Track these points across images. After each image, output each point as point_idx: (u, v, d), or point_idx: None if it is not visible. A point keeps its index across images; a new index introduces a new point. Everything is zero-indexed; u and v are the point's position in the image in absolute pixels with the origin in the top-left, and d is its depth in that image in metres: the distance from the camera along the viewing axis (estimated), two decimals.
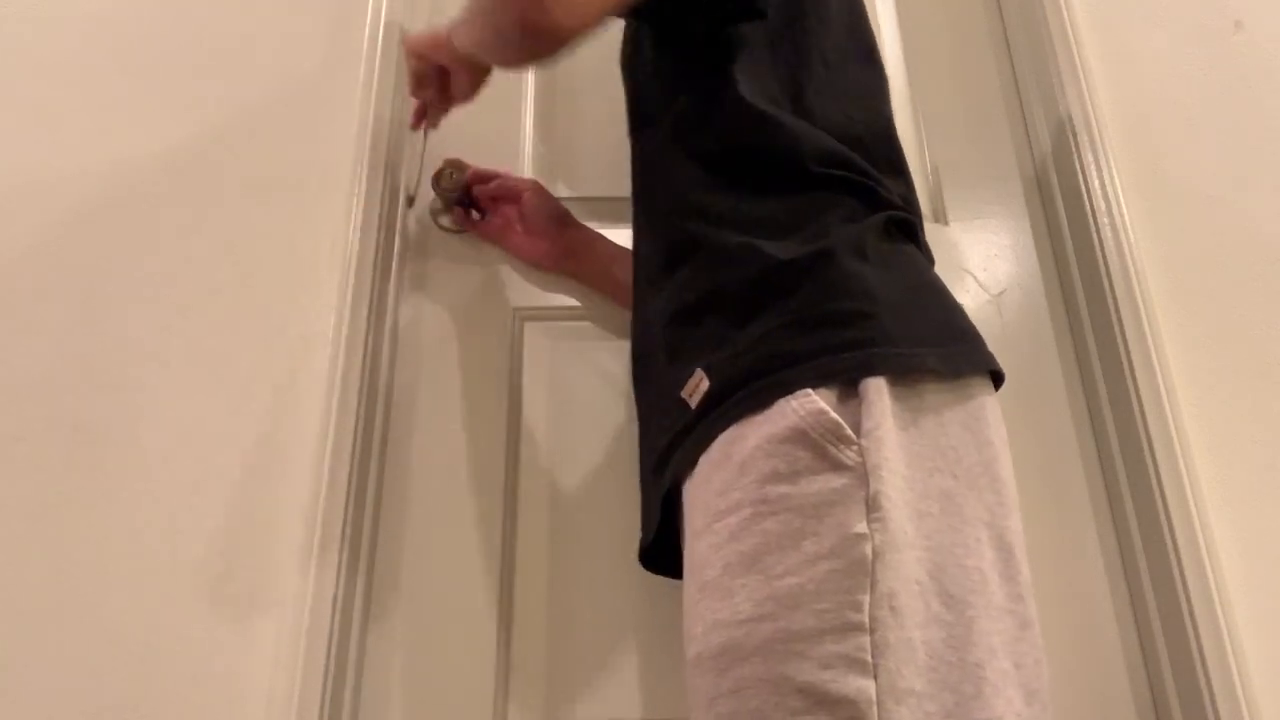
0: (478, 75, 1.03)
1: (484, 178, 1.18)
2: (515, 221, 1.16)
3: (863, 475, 0.66)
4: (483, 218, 1.19)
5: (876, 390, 0.69)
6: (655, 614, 1.05)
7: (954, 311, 0.81)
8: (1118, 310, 1.12)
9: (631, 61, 1.00)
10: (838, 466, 0.67)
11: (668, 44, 0.92)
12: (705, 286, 0.80)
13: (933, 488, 0.69)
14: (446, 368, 1.14)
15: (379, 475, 1.07)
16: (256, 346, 1.06)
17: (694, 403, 0.76)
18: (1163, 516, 1.03)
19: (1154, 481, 1.04)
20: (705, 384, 0.76)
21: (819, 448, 0.67)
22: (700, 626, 0.69)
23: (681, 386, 0.78)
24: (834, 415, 0.68)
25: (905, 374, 0.71)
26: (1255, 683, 0.96)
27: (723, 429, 0.72)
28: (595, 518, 1.09)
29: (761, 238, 0.78)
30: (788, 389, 0.70)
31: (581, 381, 1.15)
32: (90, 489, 0.98)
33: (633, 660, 1.03)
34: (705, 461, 0.74)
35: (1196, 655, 0.97)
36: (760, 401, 0.71)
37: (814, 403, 0.69)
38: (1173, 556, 1.01)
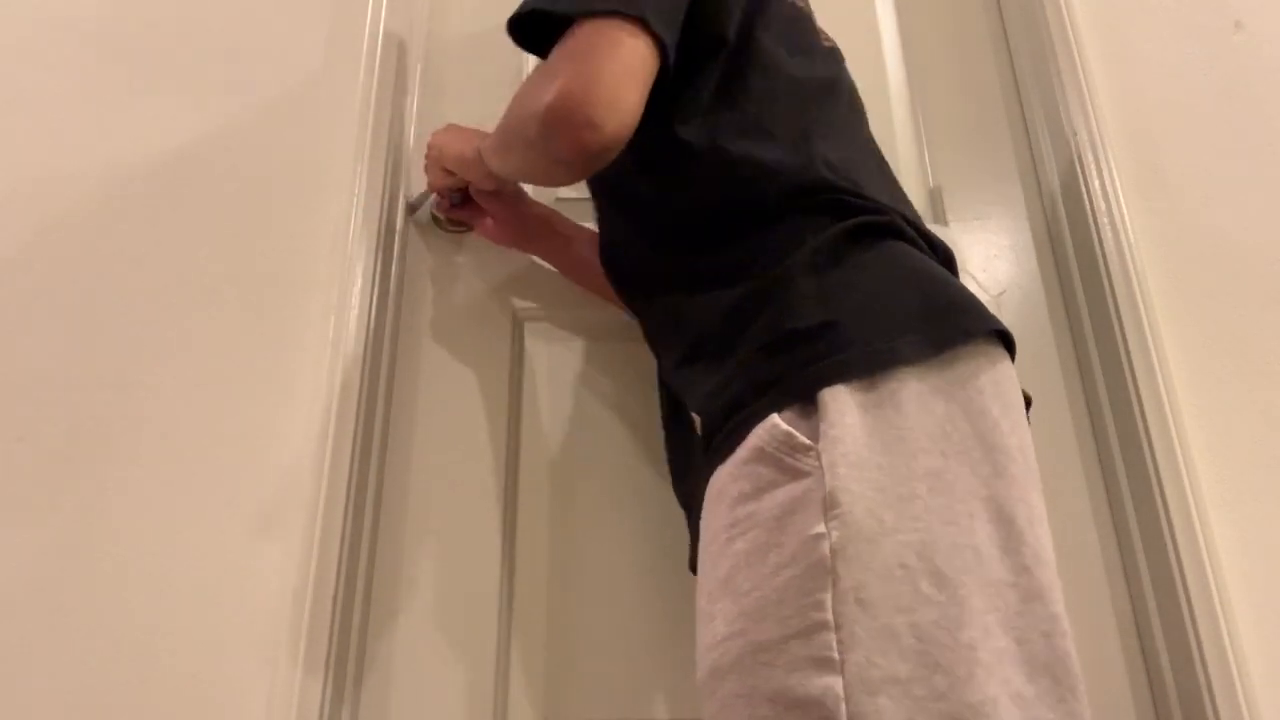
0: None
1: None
2: (477, 206, 1.16)
3: (820, 477, 0.67)
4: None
5: (833, 395, 0.69)
6: (655, 614, 1.05)
7: (939, 289, 0.78)
8: (1118, 310, 1.12)
9: None
10: (796, 475, 0.68)
11: None
12: (688, 337, 0.84)
13: (918, 469, 0.68)
14: (446, 368, 1.14)
15: (379, 475, 1.07)
16: (256, 346, 1.06)
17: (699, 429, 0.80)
18: (1163, 516, 1.03)
19: (1154, 481, 1.04)
20: (699, 426, 0.79)
21: (777, 461, 0.69)
22: (697, 654, 0.71)
23: (694, 430, 0.82)
24: (785, 427, 0.69)
25: (872, 371, 0.71)
26: (1255, 683, 0.97)
27: (714, 469, 0.75)
28: (595, 518, 1.09)
29: (725, 283, 0.80)
30: (759, 417, 0.71)
31: (581, 383, 1.15)
32: (90, 489, 0.98)
33: (633, 660, 1.03)
34: (705, 500, 0.76)
35: (1196, 655, 0.97)
36: (739, 437, 0.72)
37: (770, 420, 0.70)
38: (1173, 556, 1.01)
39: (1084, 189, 1.19)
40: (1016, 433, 0.73)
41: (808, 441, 0.68)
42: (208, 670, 0.92)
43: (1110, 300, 1.13)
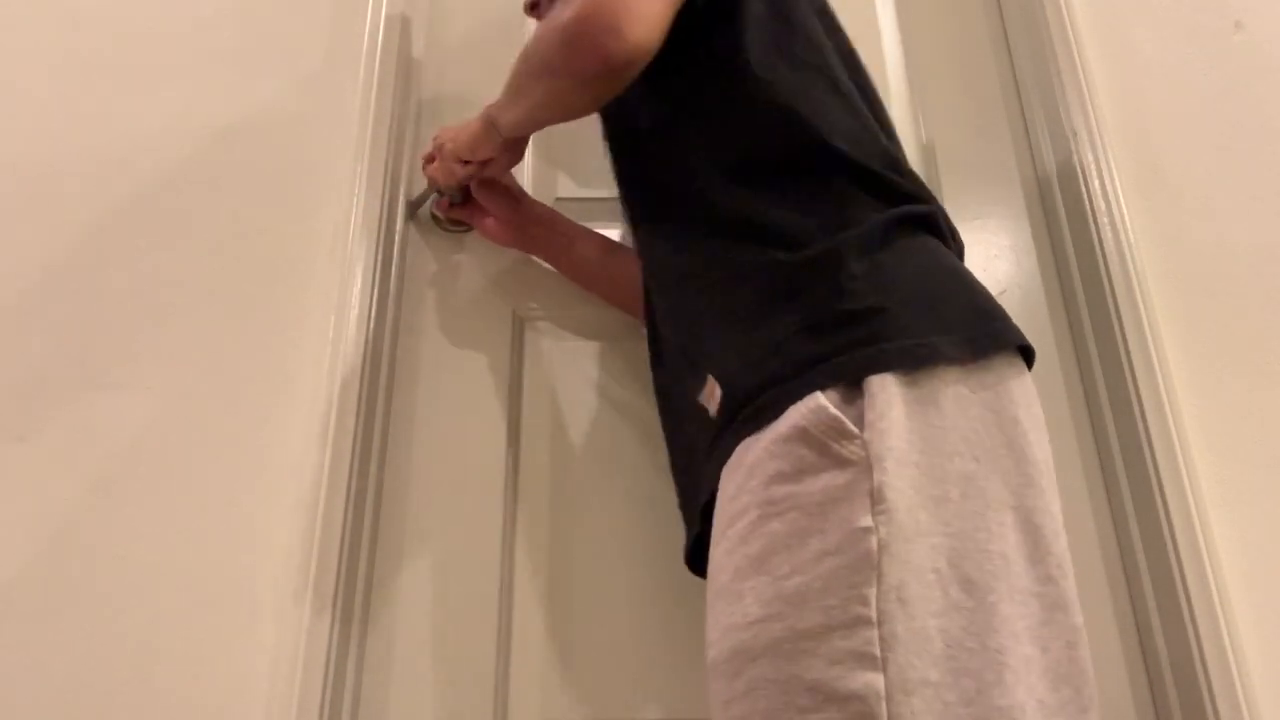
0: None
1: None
2: (477, 204, 1.15)
3: (866, 469, 0.66)
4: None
5: (880, 384, 0.69)
6: (655, 614, 1.05)
7: (976, 293, 0.79)
8: (1118, 310, 1.12)
9: None
10: (841, 462, 0.67)
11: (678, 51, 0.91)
12: (718, 294, 0.80)
13: (952, 472, 0.68)
14: (447, 368, 1.14)
15: (379, 475, 1.07)
16: (256, 346, 1.06)
17: (712, 409, 0.77)
18: (1163, 516, 1.03)
19: (1154, 481, 1.04)
20: (718, 392, 0.76)
21: (821, 445, 0.67)
22: (715, 632, 0.69)
23: (698, 392, 0.79)
24: (834, 411, 0.68)
25: (917, 365, 0.70)
26: (1255, 683, 0.97)
27: (739, 441, 0.73)
28: (595, 518, 1.09)
29: (773, 244, 0.78)
30: (799, 395, 0.70)
31: (581, 382, 1.15)
32: (90, 489, 0.98)
33: (633, 660, 1.03)
34: (724, 470, 0.74)
35: (1196, 655, 0.97)
36: (774, 412, 0.70)
37: (815, 400, 0.68)
38: (1173, 556, 1.01)
39: (1084, 189, 1.19)
40: (1042, 445, 0.74)
41: (854, 429, 0.67)
42: (208, 670, 0.92)
43: (1110, 300, 1.13)
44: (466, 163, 1.05)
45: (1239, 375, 1.12)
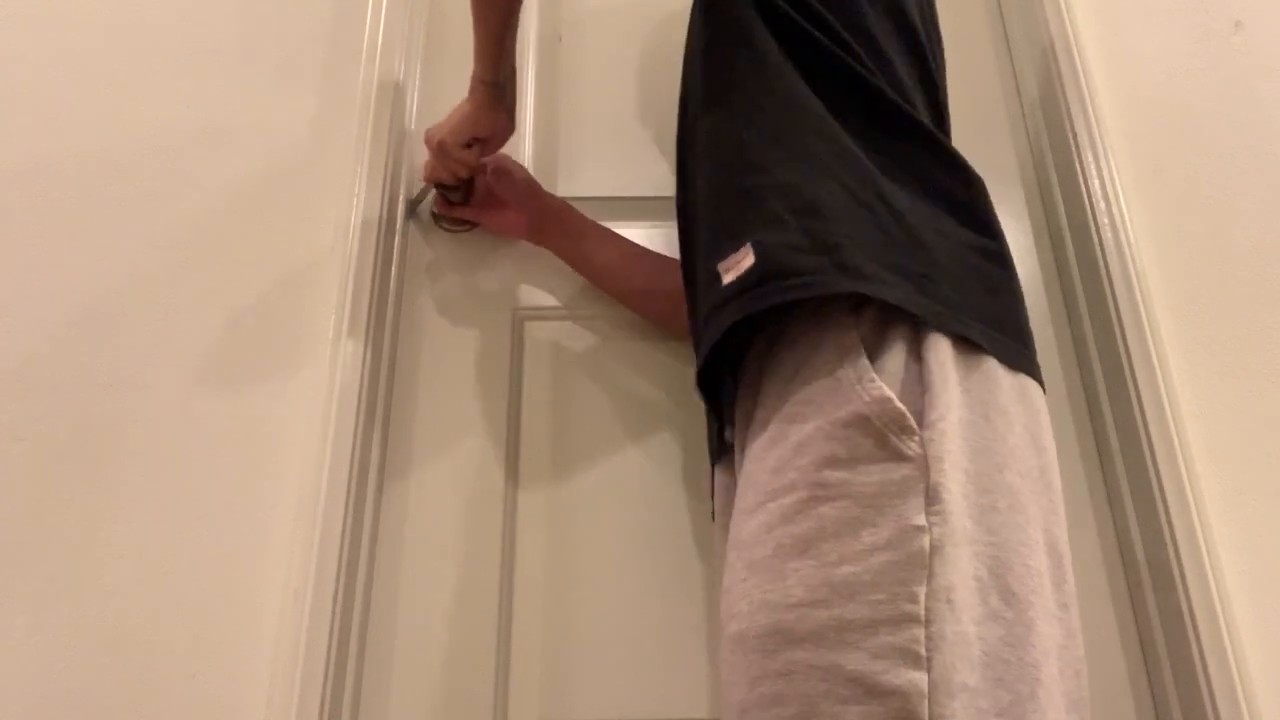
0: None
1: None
2: (487, 195, 1.16)
3: (924, 467, 0.66)
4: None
5: (940, 359, 0.69)
6: (655, 614, 1.05)
7: (1020, 309, 0.80)
8: (1118, 310, 1.12)
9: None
10: (899, 456, 0.66)
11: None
12: (777, 169, 0.77)
13: (1000, 483, 0.68)
14: (446, 368, 1.14)
15: (379, 475, 1.07)
16: (256, 346, 1.06)
17: (728, 279, 0.75)
18: (1163, 516, 1.03)
19: (1154, 482, 1.04)
20: (750, 261, 0.73)
21: (881, 436, 0.67)
22: (746, 604, 0.68)
23: (720, 257, 0.76)
24: (899, 405, 0.67)
25: (968, 347, 0.70)
26: (1255, 683, 0.96)
27: (765, 309, 0.72)
28: (595, 517, 1.09)
29: (842, 155, 0.77)
30: (836, 289, 0.69)
31: (581, 381, 1.15)
32: (90, 489, 0.98)
33: (632, 660, 1.03)
34: (759, 437, 0.73)
35: (1196, 655, 0.97)
36: (813, 291, 0.70)
37: (879, 389, 0.68)
38: (1173, 557, 1.01)
39: (1084, 189, 1.19)
40: (1059, 476, 0.75)
41: (915, 425, 0.67)
42: (208, 670, 0.92)
43: (1110, 300, 1.13)
44: (470, 145, 1.06)
45: (1239, 375, 1.12)
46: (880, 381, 0.68)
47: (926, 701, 0.61)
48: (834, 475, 0.67)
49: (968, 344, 0.71)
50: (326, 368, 1.03)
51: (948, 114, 0.94)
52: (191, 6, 1.24)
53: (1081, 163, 1.21)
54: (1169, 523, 1.02)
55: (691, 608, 1.04)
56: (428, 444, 1.11)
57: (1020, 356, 0.75)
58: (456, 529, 1.07)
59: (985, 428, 0.69)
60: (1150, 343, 1.10)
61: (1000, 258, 0.81)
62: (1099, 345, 1.16)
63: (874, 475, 0.66)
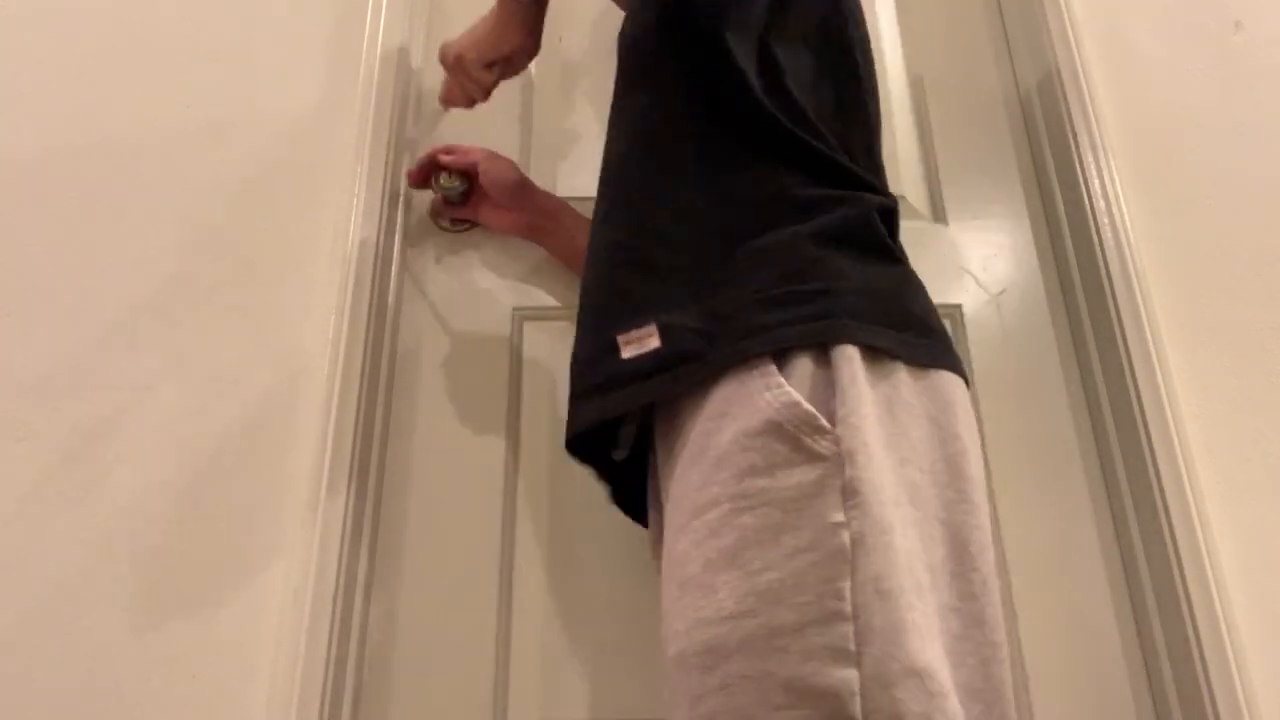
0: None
1: (445, 152, 1.17)
2: (482, 194, 1.16)
3: (839, 463, 0.66)
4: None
5: (848, 363, 0.69)
6: (655, 613, 1.04)
7: (928, 309, 0.80)
8: (1118, 310, 1.12)
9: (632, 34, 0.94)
10: (813, 457, 0.67)
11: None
12: (680, 249, 0.78)
13: (904, 478, 0.69)
14: (446, 368, 1.14)
15: (379, 475, 1.07)
16: (256, 346, 1.06)
17: (628, 353, 0.75)
18: (1163, 516, 1.03)
19: (1154, 481, 1.04)
20: (655, 343, 0.75)
21: (794, 440, 0.67)
22: (682, 624, 0.68)
23: (620, 329, 0.77)
24: (807, 406, 0.68)
25: (875, 354, 0.71)
26: (1255, 683, 0.97)
27: (674, 397, 0.73)
28: (595, 517, 1.09)
29: (744, 219, 0.78)
30: (744, 357, 0.70)
31: None
32: (90, 489, 0.98)
33: (632, 660, 1.03)
34: (681, 454, 0.73)
35: (1196, 655, 0.97)
36: (719, 369, 0.71)
37: (787, 395, 0.68)
38: (1173, 556, 1.01)
39: (1084, 189, 1.19)
40: (977, 460, 0.74)
41: (827, 425, 0.67)
42: (208, 669, 0.92)
43: (1110, 300, 1.13)
44: (491, 65, 1.04)
45: (1239, 375, 1.12)
46: (788, 386, 0.69)
47: (858, 699, 0.61)
48: (754, 484, 0.67)
49: (875, 348, 0.72)
50: (326, 367, 1.03)
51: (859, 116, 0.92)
52: (193, 6, 1.24)
53: (1081, 163, 1.21)
54: (1169, 523, 1.02)
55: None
56: (428, 443, 1.11)
57: (928, 351, 0.75)
58: (456, 529, 1.07)
59: (890, 423, 0.70)
60: (1150, 343, 1.10)
61: (888, 251, 0.82)
62: (1099, 345, 1.16)
63: (792, 479, 0.67)
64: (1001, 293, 1.22)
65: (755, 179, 0.80)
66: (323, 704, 0.90)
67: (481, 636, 1.03)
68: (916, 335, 0.75)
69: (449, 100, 1.13)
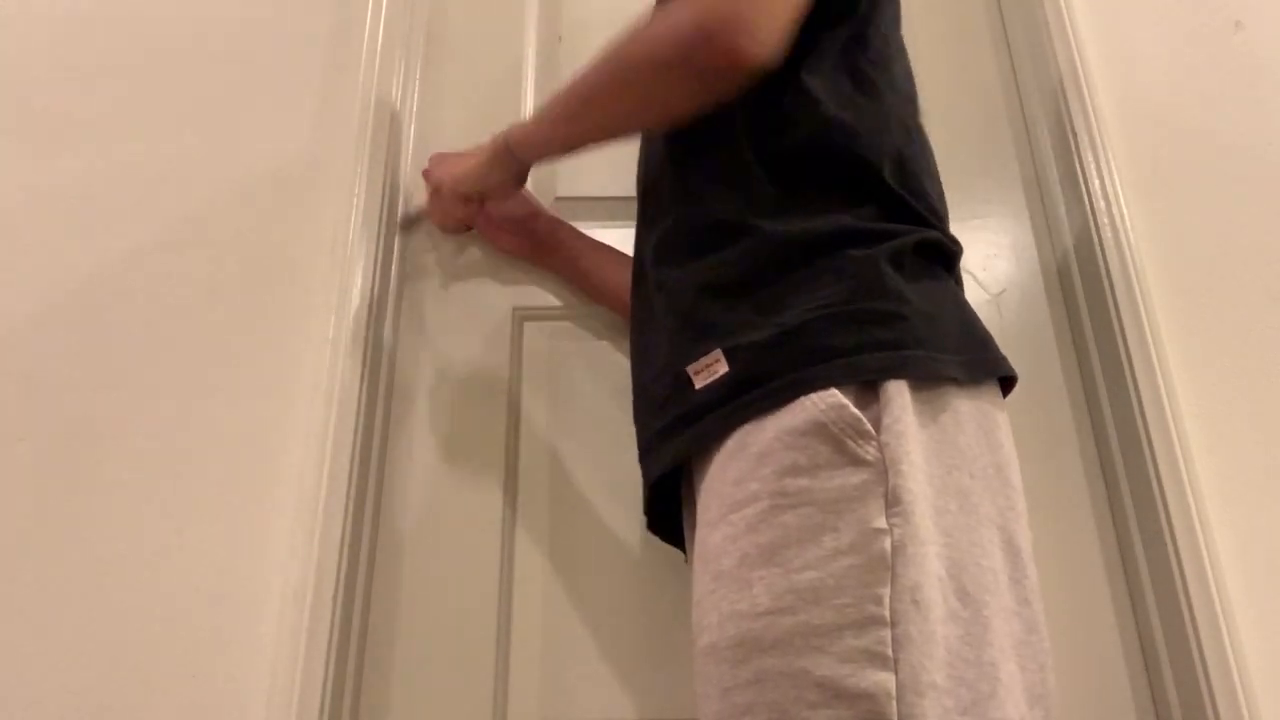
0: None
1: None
2: (486, 219, 1.16)
3: (882, 470, 0.67)
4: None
5: (897, 389, 0.69)
6: (655, 614, 1.05)
7: (976, 322, 0.82)
8: (1118, 310, 1.12)
9: None
10: (857, 461, 0.67)
11: None
12: (743, 269, 0.78)
13: (951, 485, 0.69)
14: (446, 367, 1.14)
15: (379, 475, 1.07)
16: (256, 347, 1.06)
17: (700, 383, 0.75)
18: (1163, 516, 1.03)
19: (1154, 481, 1.04)
20: (723, 369, 0.74)
21: (838, 442, 0.68)
22: (715, 616, 0.69)
23: (689, 360, 0.77)
24: (854, 410, 0.68)
25: (929, 378, 0.72)
26: (1255, 683, 0.96)
27: (742, 422, 0.72)
28: (595, 517, 1.09)
29: (809, 238, 0.77)
30: (812, 386, 0.70)
31: (580, 381, 1.15)
32: (90, 489, 0.98)
33: (632, 660, 1.03)
34: (720, 451, 0.73)
35: (1196, 655, 0.97)
36: (786, 397, 0.70)
37: (834, 397, 0.69)
38: (1173, 556, 1.01)
39: (1084, 189, 1.19)
40: (1018, 472, 0.76)
41: (872, 430, 0.68)
42: (208, 670, 0.92)
43: (1110, 300, 1.13)
44: (468, 201, 1.07)
45: (1239, 375, 1.12)
46: (836, 390, 0.69)
47: (894, 702, 0.61)
48: (795, 483, 0.68)
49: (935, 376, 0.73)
50: (326, 368, 1.03)
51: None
52: (194, 7, 1.24)
53: (1081, 163, 1.21)
54: (1169, 523, 1.02)
55: (691, 608, 1.04)
56: (427, 444, 1.11)
57: (974, 366, 0.76)
58: (456, 529, 1.07)
59: (938, 430, 0.71)
60: (1150, 343, 1.10)
61: (944, 250, 0.82)
62: (1099, 345, 1.16)
63: (834, 481, 0.67)
64: (1001, 293, 1.22)
65: (818, 211, 0.79)
66: (323, 704, 0.90)
67: (481, 636, 1.03)
68: (966, 352, 0.76)
69: (432, 218, 1.15)
